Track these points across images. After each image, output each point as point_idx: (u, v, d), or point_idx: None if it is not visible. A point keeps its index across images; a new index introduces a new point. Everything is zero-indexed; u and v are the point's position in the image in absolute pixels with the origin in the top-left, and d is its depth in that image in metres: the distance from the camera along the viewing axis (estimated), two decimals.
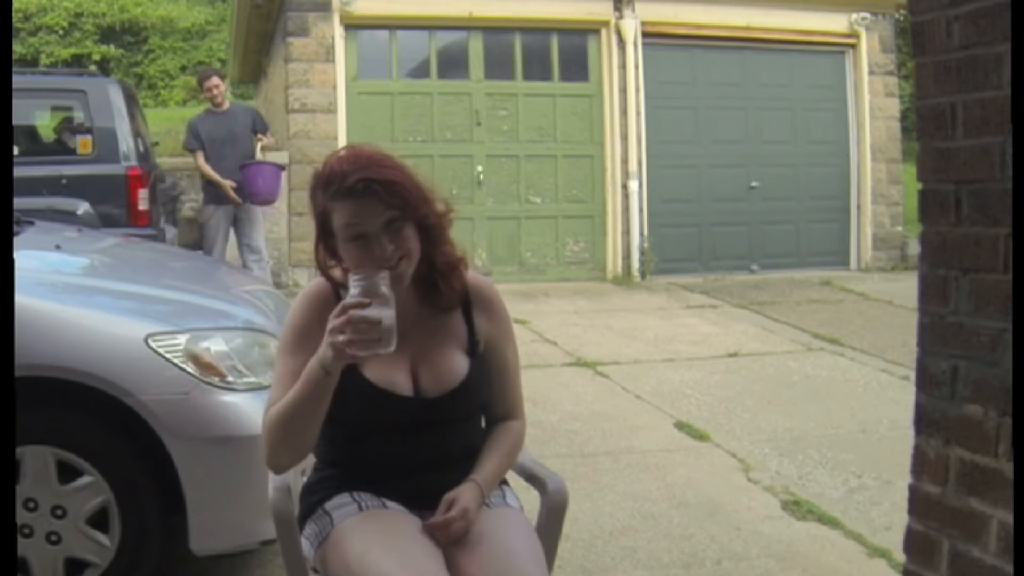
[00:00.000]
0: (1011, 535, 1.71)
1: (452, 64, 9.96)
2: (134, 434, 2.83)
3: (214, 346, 2.93)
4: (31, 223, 4.19)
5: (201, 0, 21.65)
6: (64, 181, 7.42)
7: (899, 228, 10.70)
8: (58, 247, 3.86)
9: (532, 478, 2.22)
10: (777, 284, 9.67)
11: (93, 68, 16.12)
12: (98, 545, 2.87)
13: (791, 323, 7.69)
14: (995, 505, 1.77)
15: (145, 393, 2.79)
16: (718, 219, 10.34)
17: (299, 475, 2.20)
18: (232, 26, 13.81)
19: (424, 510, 1.98)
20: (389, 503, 1.98)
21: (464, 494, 1.96)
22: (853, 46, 10.54)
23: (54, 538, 2.84)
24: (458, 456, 2.04)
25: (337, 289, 1.99)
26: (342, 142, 8.99)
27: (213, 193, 7.95)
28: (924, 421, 1.96)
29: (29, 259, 3.11)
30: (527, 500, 2.18)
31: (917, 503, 1.98)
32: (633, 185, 9.89)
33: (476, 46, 9.87)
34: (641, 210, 9.95)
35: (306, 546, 2.00)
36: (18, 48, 17.80)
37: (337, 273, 1.99)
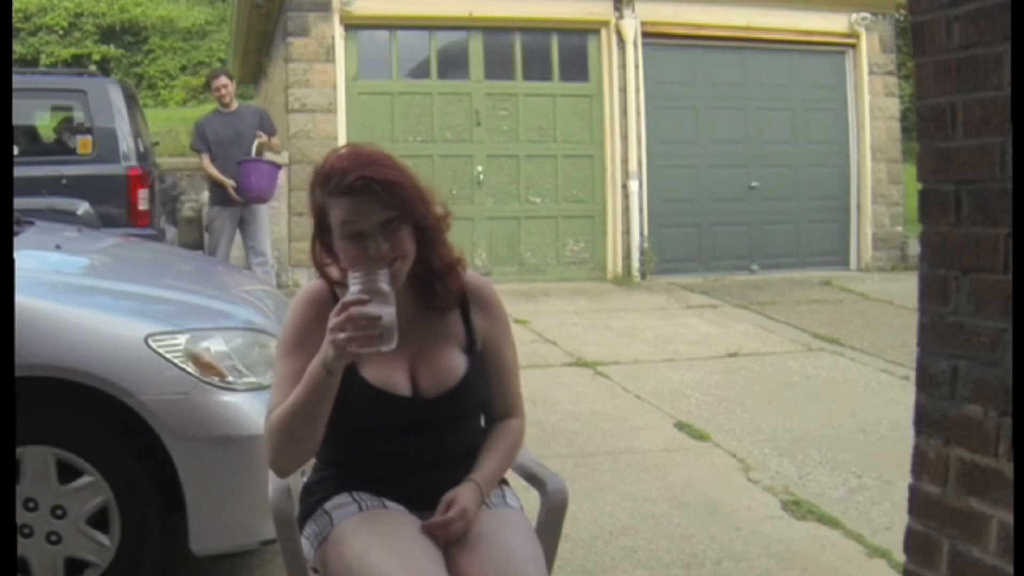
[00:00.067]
0: (1011, 535, 1.71)
1: (452, 64, 9.96)
2: (134, 434, 2.83)
3: (214, 346, 2.93)
4: (31, 223, 4.19)
5: (201, 0, 21.65)
6: (64, 181, 7.43)
7: (899, 228, 10.70)
8: (58, 247, 3.86)
9: (532, 478, 2.22)
10: (777, 284, 9.67)
11: (93, 68, 16.11)
12: (98, 545, 2.87)
13: (791, 323, 7.69)
14: (995, 505, 1.77)
15: (145, 393, 2.79)
16: (718, 219, 10.35)
17: (299, 475, 2.20)
18: (232, 26, 13.82)
19: (424, 510, 1.98)
20: (389, 503, 1.98)
21: (463, 494, 1.96)
22: (853, 46, 10.55)
23: (54, 538, 2.84)
24: (458, 456, 2.04)
25: (334, 289, 1.99)
26: (342, 142, 8.98)
27: (219, 194, 7.90)
28: (924, 421, 1.96)
29: (29, 259, 3.11)
30: (527, 500, 2.18)
31: (917, 503, 1.98)
32: (633, 185, 9.90)
33: (476, 46, 9.87)
34: (641, 210, 9.96)
35: (306, 546, 2.00)
36: (18, 48, 17.80)
37: (333, 271, 1.99)
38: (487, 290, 2.11)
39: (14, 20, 11.92)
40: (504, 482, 2.14)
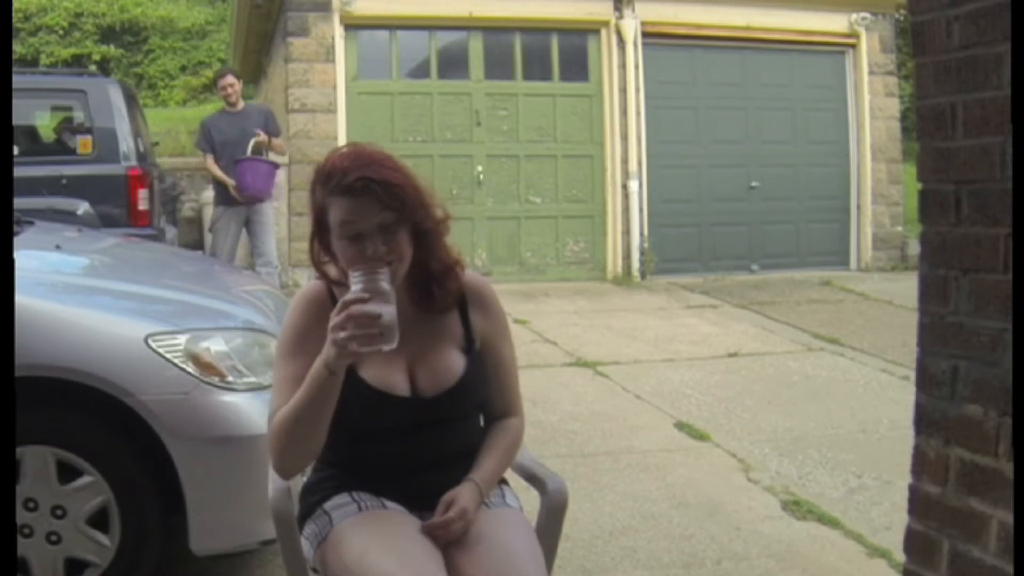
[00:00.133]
0: (1011, 535, 1.71)
1: (452, 64, 9.96)
2: (134, 434, 2.83)
3: (214, 346, 2.93)
4: (31, 223, 4.19)
5: (201, 0, 21.64)
6: (64, 181, 7.43)
7: (899, 228, 10.70)
8: (58, 247, 3.86)
9: (532, 478, 2.22)
10: (777, 284, 9.67)
11: (93, 68, 16.11)
12: (98, 545, 2.87)
13: (791, 323, 7.69)
14: (995, 505, 1.77)
15: (145, 393, 2.79)
16: (718, 219, 10.35)
17: (299, 475, 2.20)
18: (232, 26, 13.82)
19: (424, 510, 1.98)
20: (388, 503, 1.98)
21: (463, 494, 1.96)
22: (853, 46, 10.55)
23: (54, 538, 2.84)
24: (457, 456, 2.04)
25: (332, 290, 1.99)
26: (342, 142, 8.96)
27: (223, 194, 7.84)
28: (924, 421, 1.96)
29: (29, 259, 3.11)
30: (527, 500, 2.18)
31: (917, 503, 1.98)
32: (633, 185, 9.90)
33: (476, 46, 9.87)
34: (641, 210, 9.96)
35: (306, 546, 2.00)
36: (18, 48, 17.80)
37: (331, 270, 1.99)
38: (485, 290, 2.11)
39: (14, 20, 11.92)
40: (504, 482, 2.14)
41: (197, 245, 9.71)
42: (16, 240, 3.00)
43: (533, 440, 3.78)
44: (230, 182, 7.69)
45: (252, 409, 2.84)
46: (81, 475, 2.85)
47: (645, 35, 9.92)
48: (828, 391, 5.73)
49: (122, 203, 7.52)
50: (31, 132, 8.24)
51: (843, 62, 10.64)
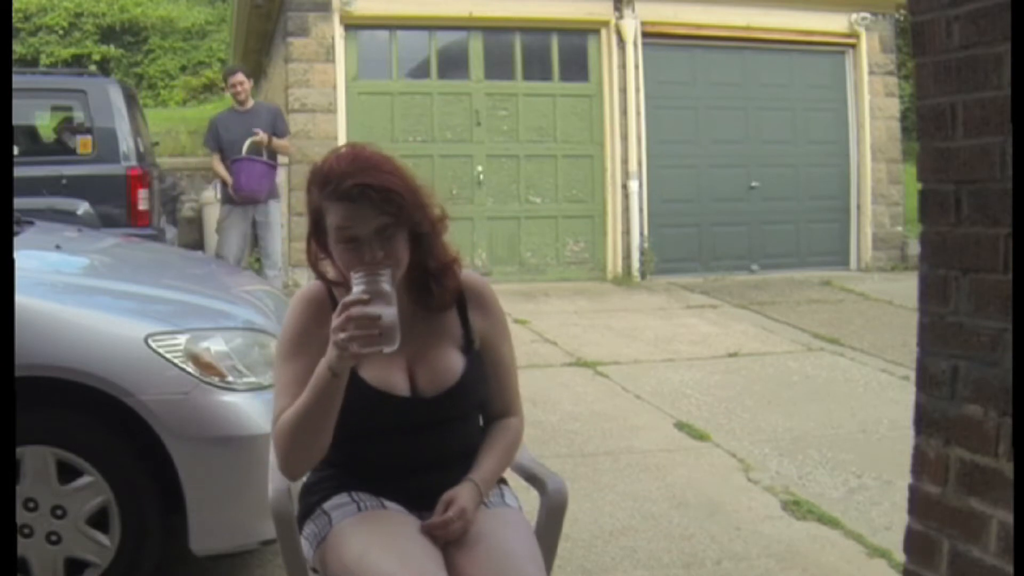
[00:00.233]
0: (1011, 535, 1.71)
1: (452, 64, 9.96)
2: (134, 434, 2.83)
3: (214, 346, 2.93)
4: (31, 223, 4.19)
5: (201, 0, 21.63)
6: (64, 181, 7.43)
7: (899, 228, 10.70)
8: (58, 247, 3.86)
9: (532, 478, 2.22)
10: (777, 284, 9.67)
11: (93, 68, 16.10)
12: (98, 545, 2.87)
13: (791, 323, 7.69)
14: (995, 505, 1.77)
15: (145, 393, 2.79)
16: (718, 219, 10.34)
17: None
18: (232, 26, 13.82)
19: (423, 510, 1.98)
20: (388, 503, 1.98)
21: (462, 494, 1.96)
22: (853, 46, 10.55)
23: (54, 538, 2.84)
24: (457, 455, 2.03)
25: (331, 290, 1.99)
26: (342, 142, 8.96)
27: (228, 193, 7.81)
28: (924, 421, 1.96)
29: (29, 259, 3.11)
30: (527, 500, 2.18)
31: (917, 503, 1.98)
32: (633, 185, 9.90)
33: (476, 46, 9.87)
34: (641, 210, 9.96)
35: (305, 546, 2.00)
36: (18, 48, 17.79)
37: (329, 270, 1.98)
38: (484, 289, 2.11)
39: (14, 20, 11.92)
40: (503, 482, 2.14)
41: (197, 245, 9.71)
42: (16, 240, 3.00)
43: (533, 440, 3.78)
44: (230, 181, 7.66)
45: (252, 409, 2.84)
46: (81, 475, 2.85)
47: (645, 35, 9.92)
48: (828, 391, 5.73)
49: (122, 203, 7.52)
50: (31, 132, 8.24)
51: (843, 62, 10.64)
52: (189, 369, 2.84)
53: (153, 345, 2.84)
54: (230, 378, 2.88)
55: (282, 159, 8.42)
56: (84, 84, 8.03)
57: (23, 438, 2.55)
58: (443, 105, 9.78)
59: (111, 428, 2.88)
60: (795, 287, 9.49)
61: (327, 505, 1.99)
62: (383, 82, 9.74)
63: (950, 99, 1.86)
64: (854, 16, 10.40)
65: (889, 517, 3.64)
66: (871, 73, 10.51)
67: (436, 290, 2.01)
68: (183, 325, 2.99)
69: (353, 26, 9.61)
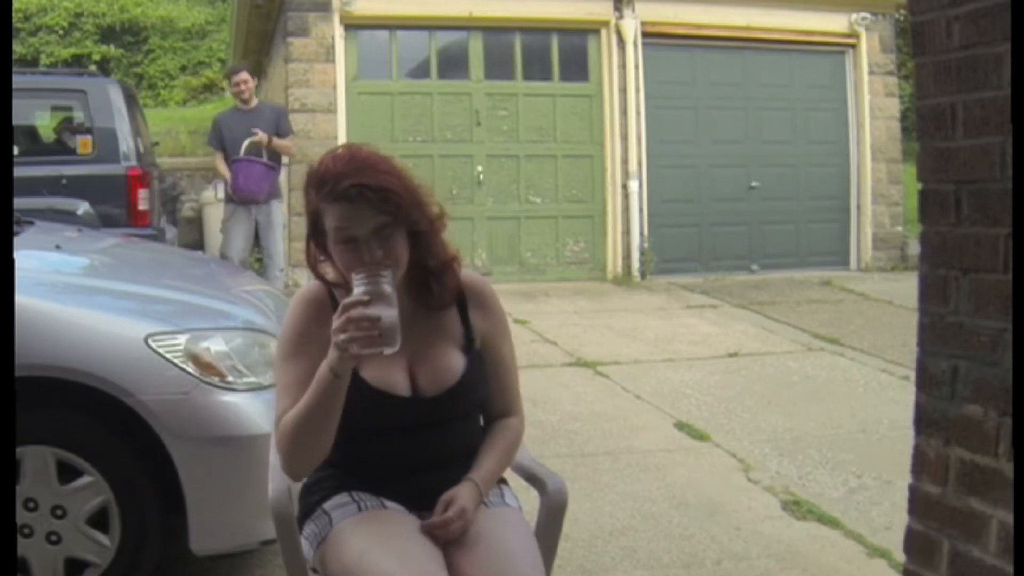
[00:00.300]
0: (1011, 535, 1.71)
1: (452, 64, 9.96)
2: (134, 434, 2.83)
3: (214, 346, 2.93)
4: (31, 223, 4.19)
5: (201, 0, 21.64)
6: (64, 181, 7.43)
7: (899, 228, 10.70)
8: (58, 247, 3.86)
9: (532, 478, 2.22)
10: (777, 284, 9.67)
11: (93, 68, 16.11)
12: (98, 545, 2.87)
13: (791, 323, 7.69)
14: (995, 505, 1.77)
15: (145, 393, 2.79)
16: (718, 219, 10.34)
17: None
18: (232, 26, 13.81)
19: (424, 510, 1.98)
20: (388, 503, 1.98)
21: (462, 494, 1.96)
22: (853, 46, 10.55)
23: (54, 538, 2.84)
24: (457, 455, 2.03)
25: (331, 290, 1.99)
26: (342, 142, 8.96)
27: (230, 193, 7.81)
28: (924, 421, 1.96)
29: (29, 259, 3.11)
30: (527, 500, 2.18)
31: (917, 503, 1.98)
32: (633, 185, 9.90)
33: (476, 46, 9.87)
34: (641, 210, 9.96)
35: (306, 546, 2.00)
36: (18, 48, 17.79)
37: (328, 271, 1.99)
38: (485, 289, 2.11)
39: (14, 20, 11.92)
40: (503, 481, 2.14)
41: (197, 245, 9.72)
42: (16, 240, 3.00)
43: (533, 440, 3.78)
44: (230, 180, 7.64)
45: (252, 409, 2.84)
46: (81, 475, 2.85)
47: (645, 35, 9.92)
48: (828, 391, 5.73)
49: (122, 203, 7.52)
50: (31, 132, 8.25)
51: (843, 62, 10.63)
52: (189, 369, 2.84)
53: (153, 345, 2.84)
54: (230, 378, 2.88)
55: (285, 159, 8.38)
56: (84, 84, 8.03)
57: (23, 438, 2.55)
58: (443, 105, 9.78)
59: (111, 428, 2.88)
60: (795, 287, 9.49)
61: (327, 505, 1.99)
62: (383, 82, 9.74)
63: (950, 99, 1.86)
64: (854, 16, 10.40)
65: (889, 517, 3.64)
66: (871, 73, 10.51)
67: (436, 289, 2.01)
68: (183, 325, 2.99)
69: (353, 26, 9.61)
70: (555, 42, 10.06)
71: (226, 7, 18.63)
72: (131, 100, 8.26)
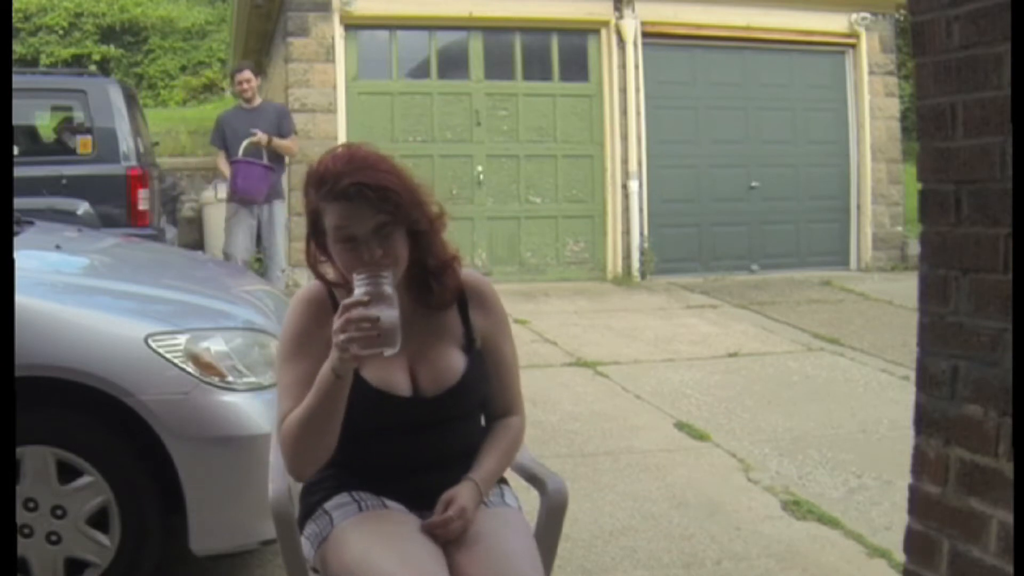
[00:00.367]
0: (1011, 535, 1.71)
1: (452, 64, 9.96)
2: (134, 434, 2.83)
3: (214, 346, 2.93)
4: (31, 223, 4.19)
5: (201, 0, 21.63)
6: (64, 181, 7.43)
7: (899, 228, 10.70)
8: (58, 247, 3.86)
9: (532, 478, 2.22)
10: (777, 284, 9.67)
11: (93, 68, 16.11)
12: (98, 545, 2.87)
13: (791, 323, 7.69)
14: (995, 505, 1.77)
15: (145, 393, 2.79)
16: (718, 219, 10.34)
17: None
18: (232, 26, 13.81)
19: (424, 510, 1.98)
20: (389, 503, 1.98)
21: (462, 493, 1.96)
22: (853, 46, 10.54)
23: (54, 538, 2.84)
24: (458, 455, 2.03)
25: (331, 290, 1.99)
26: (342, 142, 8.95)
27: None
28: (924, 421, 1.96)
29: (29, 259, 3.11)
30: (527, 500, 2.18)
31: (917, 503, 1.98)
32: (633, 185, 9.90)
33: (476, 46, 9.87)
34: (641, 210, 9.95)
35: (306, 546, 2.00)
36: (18, 48, 17.79)
37: (328, 271, 1.98)
38: (485, 288, 2.11)
39: (14, 20, 11.92)
40: (503, 481, 2.14)
41: (197, 245, 9.71)
42: (16, 240, 3.00)
43: (533, 440, 3.78)
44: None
45: (252, 409, 2.84)
46: (81, 475, 2.85)
47: (645, 35, 9.92)
48: (828, 391, 5.73)
49: (122, 203, 7.51)
50: (31, 132, 8.24)
51: (843, 62, 10.63)
52: (189, 369, 2.84)
53: (153, 345, 2.84)
54: (230, 378, 2.88)
55: (288, 159, 8.34)
56: (84, 84, 8.03)
57: (23, 438, 2.55)
58: (443, 105, 9.78)
59: (111, 428, 2.88)
60: (795, 287, 9.49)
61: (328, 505, 1.99)
62: (383, 82, 9.73)
63: (950, 99, 1.86)
64: (854, 16, 10.40)
65: (889, 517, 3.64)
66: (871, 73, 10.51)
67: (436, 288, 2.01)
68: (183, 325, 2.99)
69: (353, 26, 9.61)
70: (555, 42, 10.06)
71: (226, 7, 18.63)
72: (131, 100, 8.26)
